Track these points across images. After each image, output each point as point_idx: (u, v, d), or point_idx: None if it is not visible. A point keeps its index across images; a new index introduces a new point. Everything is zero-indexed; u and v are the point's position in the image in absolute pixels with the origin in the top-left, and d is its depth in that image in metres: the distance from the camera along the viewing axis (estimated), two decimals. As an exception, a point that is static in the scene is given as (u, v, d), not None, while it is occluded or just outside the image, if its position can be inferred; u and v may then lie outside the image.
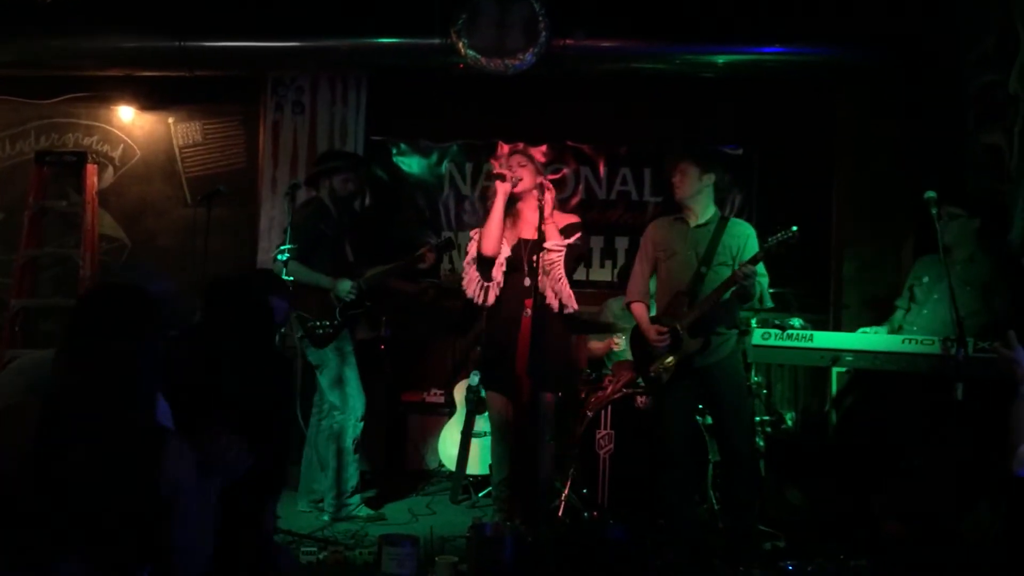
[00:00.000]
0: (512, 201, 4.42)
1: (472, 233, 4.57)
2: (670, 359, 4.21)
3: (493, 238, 4.37)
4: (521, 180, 4.34)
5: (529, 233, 4.36)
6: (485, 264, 4.42)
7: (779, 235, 4.05)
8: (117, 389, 2.03)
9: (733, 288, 4.10)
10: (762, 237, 4.19)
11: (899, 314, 4.62)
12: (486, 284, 4.42)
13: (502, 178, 4.33)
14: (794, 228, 4.03)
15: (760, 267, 4.13)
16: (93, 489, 1.97)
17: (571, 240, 4.36)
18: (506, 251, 4.40)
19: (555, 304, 4.33)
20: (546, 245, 4.23)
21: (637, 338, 4.46)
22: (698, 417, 4.69)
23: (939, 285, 4.30)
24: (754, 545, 4.31)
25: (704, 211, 4.32)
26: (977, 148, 4.83)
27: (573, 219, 4.51)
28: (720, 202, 4.47)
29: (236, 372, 2.74)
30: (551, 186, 4.36)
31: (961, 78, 5.01)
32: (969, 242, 4.34)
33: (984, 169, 4.81)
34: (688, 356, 4.19)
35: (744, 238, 4.28)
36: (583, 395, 5.28)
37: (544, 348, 4.13)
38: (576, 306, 4.41)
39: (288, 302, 3.63)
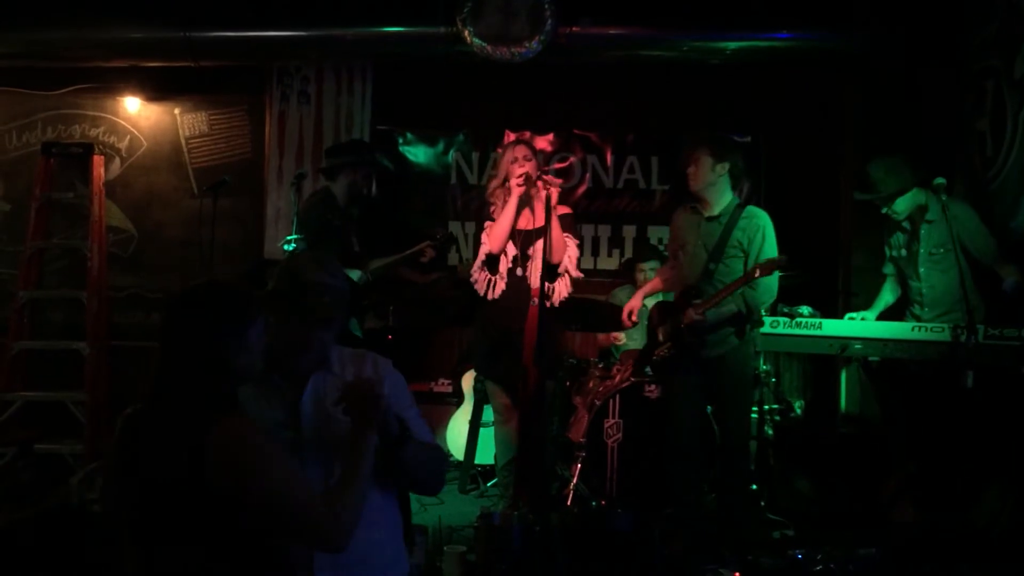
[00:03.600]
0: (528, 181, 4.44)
1: (487, 225, 4.51)
2: (667, 345, 4.29)
3: (502, 237, 4.37)
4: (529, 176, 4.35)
5: (525, 223, 4.40)
6: (492, 259, 4.44)
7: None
8: (178, 386, 2.01)
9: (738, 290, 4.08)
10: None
11: (889, 284, 4.62)
12: (493, 278, 4.44)
13: (527, 181, 4.32)
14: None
15: (770, 283, 4.08)
16: (152, 493, 1.96)
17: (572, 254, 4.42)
18: (512, 249, 4.42)
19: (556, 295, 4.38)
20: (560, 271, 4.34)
21: (651, 316, 4.52)
22: (709, 407, 4.67)
23: (920, 256, 4.37)
24: (759, 533, 4.31)
25: (718, 202, 4.21)
26: (972, 134, 4.81)
27: (566, 210, 4.47)
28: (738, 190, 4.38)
29: None
30: (556, 184, 4.25)
31: (964, 64, 4.98)
32: (923, 206, 4.35)
33: (972, 155, 4.81)
34: (691, 347, 4.17)
35: (755, 230, 4.13)
36: (590, 385, 5.28)
37: (547, 337, 4.15)
38: (573, 277, 4.44)
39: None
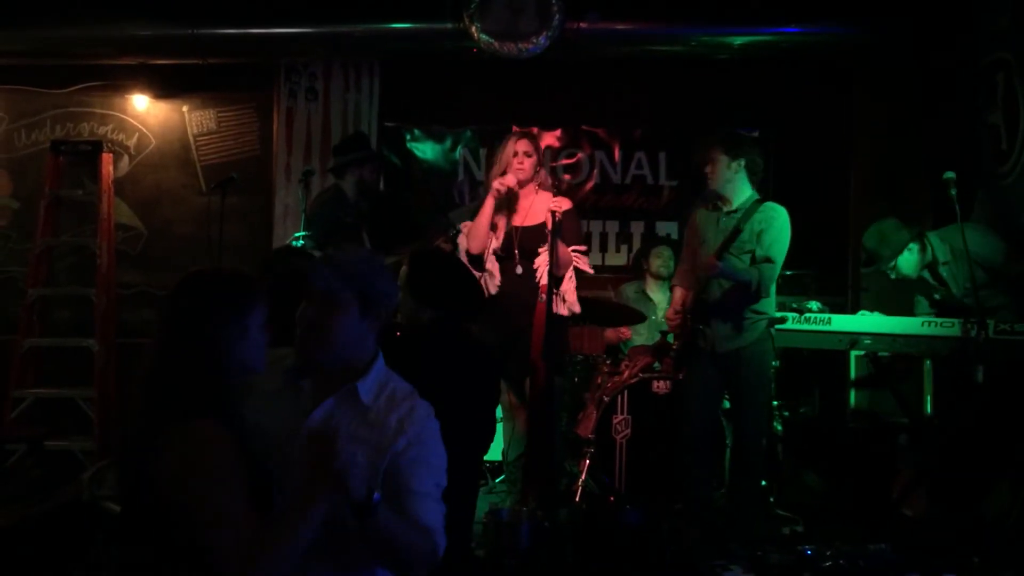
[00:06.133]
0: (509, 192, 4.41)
1: (462, 227, 4.52)
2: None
3: (481, 237, 4.37)
4: (515, 185, 4.35)
5: (521, 220, 4.40)
6: (473, 259, 4.43)
7: None
8: (165, 379, 1.96)
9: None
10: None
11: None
12: (481, 275, 4.43)
13: (501, 182, 4.33)
14: None
15: (768, 253, 4.07)
16: (122, 487, 1.98)
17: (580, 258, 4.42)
18: (495, 243, 4.40)
19: (559, 304, 4.33)
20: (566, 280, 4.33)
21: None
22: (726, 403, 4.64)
23: (956, 296, 4.30)
24: (768, 528, 4.30)
25: (737, 196, 4.17)
26: (984, 128, 4.78)
27: (567, 204, 4.37)
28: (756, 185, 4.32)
29: None
30: (569, 205, 4.31)
31: (975, 57, 4.96)
32: (932, 257, 4.31)
33: (986, 149, 4.78)
34: (707, 340, 4.16)
35: (765, 222, 4.09)
36: (598, 380, 5.27)
37: (554, 333, 4.15)
38: (578, 309, 4.41)
39: None
